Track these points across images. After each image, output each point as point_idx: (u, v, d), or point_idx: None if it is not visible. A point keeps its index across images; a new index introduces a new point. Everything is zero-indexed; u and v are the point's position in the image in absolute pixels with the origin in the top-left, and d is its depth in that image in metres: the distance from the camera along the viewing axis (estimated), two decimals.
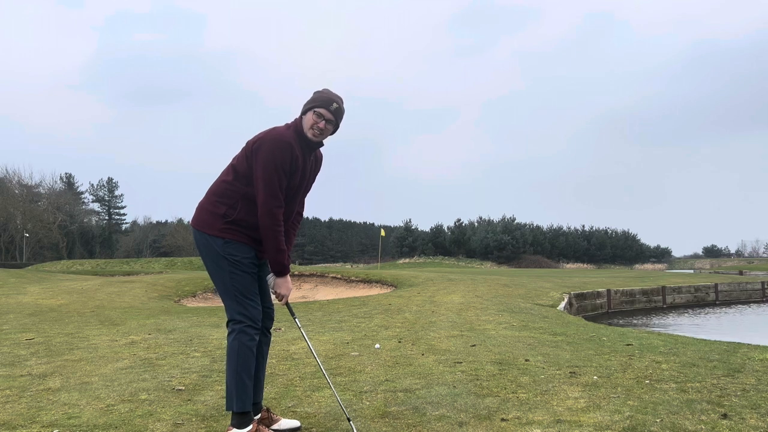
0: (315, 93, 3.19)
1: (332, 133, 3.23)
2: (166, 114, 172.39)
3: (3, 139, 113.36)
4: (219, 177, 3.20)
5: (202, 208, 3.16)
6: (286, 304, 3.27)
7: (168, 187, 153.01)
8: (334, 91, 3.20)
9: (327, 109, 3.12)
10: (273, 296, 3.25)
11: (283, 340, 6.61)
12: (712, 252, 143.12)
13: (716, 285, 25.25)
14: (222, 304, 3.17)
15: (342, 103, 3.19)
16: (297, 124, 3.16)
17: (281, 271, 3.12)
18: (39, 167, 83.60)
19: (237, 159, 3.14)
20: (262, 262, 3.23)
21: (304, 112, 3.16)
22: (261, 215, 3.03)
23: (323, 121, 3.12)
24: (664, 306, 22.39)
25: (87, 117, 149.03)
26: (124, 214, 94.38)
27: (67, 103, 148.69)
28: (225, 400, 2.99)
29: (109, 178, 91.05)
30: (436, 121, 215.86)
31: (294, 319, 3.31)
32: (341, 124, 3.24)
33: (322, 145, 3.24)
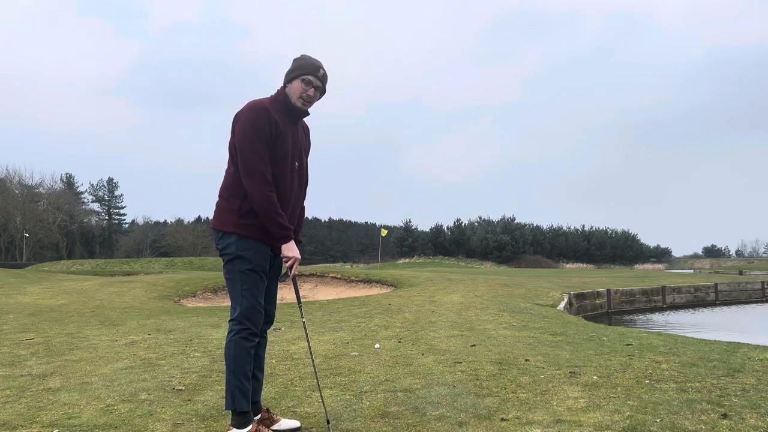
0: (296, 60, 3.10)
1: (318, 99, 3.15)
2: (187, 118, 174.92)
3: (17, 139, 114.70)
4: (225, 172, 3.13)
5: (217, 208, 3.10)
6: (293, 280, 3.11)
7: (168, 188, 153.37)
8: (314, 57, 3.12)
9: (315, 75, 3.05)
10: (285, 266, 3.08)
11: (283, 340, 6.61)
12: (712, 252, 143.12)
13: (716, 285, 25.25)
14: (223, 305, 3.16)
15: (324, 68, 3.13)
16: (280, 93, 3.09)
17: (285, 236, 2.98)
18: (40, 167, 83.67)
19: (230, 147, 3.05)
20: (272, 266, 3.17)
21: (289, 81, 3.08)
22: (248, 182, 2.92)
23: (312, 89, 3.06)
24: (664, 306, 22.39)
25: (104, 120, 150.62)
26: (124, 214, 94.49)
27: (92, 107, 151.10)
28: (225, 399, 3.01)
29: (109, 178, 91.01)
30: (448, 125, 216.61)
31: (299, 306, 3.28)
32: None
33: (308, 114, 3.16)
